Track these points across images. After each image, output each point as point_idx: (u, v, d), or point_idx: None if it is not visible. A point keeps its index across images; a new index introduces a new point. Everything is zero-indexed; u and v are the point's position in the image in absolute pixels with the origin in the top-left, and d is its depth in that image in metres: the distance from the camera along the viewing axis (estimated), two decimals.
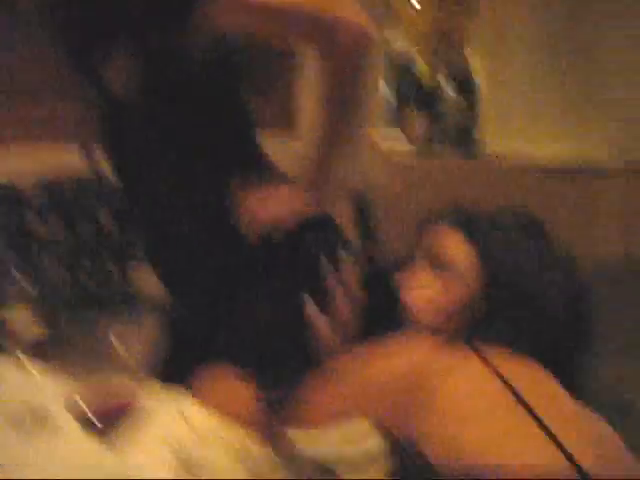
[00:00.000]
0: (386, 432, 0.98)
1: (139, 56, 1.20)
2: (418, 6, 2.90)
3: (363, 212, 2.81)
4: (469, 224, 1.03)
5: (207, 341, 1.32)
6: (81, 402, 0.82)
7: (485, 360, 0.83)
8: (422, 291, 1.02)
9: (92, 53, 1.25)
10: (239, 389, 1.03)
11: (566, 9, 2.93)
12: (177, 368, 1.27)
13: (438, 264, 1.01)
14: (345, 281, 1.16)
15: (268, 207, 1.25)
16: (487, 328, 0.91)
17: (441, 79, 2.96)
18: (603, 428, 0.88)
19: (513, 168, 2.81)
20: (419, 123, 2.76)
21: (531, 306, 0.93)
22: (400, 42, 4.15)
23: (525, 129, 2.99)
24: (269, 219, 1.25)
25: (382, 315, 1.06)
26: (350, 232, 1.66)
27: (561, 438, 0.74)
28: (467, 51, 2.77)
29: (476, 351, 0.84)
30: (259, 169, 1.33)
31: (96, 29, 1.22)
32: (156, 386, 1.26)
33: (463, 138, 2.74)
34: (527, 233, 1.00)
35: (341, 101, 1.27)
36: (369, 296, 1.19)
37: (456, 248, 1.01)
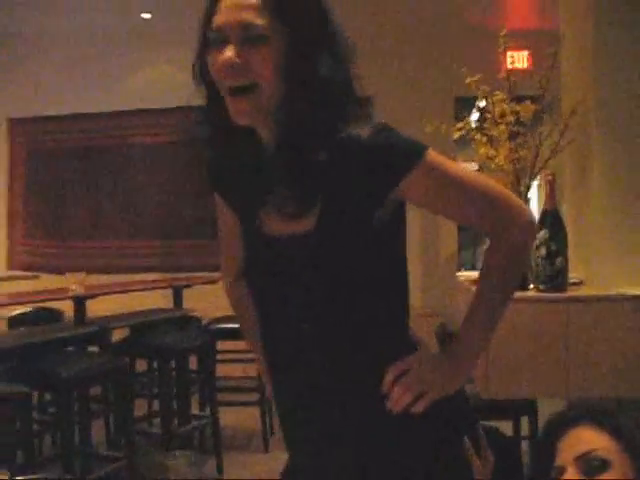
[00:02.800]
0: None
1: (321, 215, 1.23)
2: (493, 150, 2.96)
3: None
4: (604, 419, 1.05)
5: None
6: None
7: None
8: None
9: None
10: None
11: None
12: None
13: (590, 467, 1.01)
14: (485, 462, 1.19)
15: (414, 383, 1.24)
16: None
17: None
18: None
19: (601, 299, 2.74)
20: None
21: None
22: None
23: (608, 257, 2.95)
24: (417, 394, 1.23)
25: None
26: None
27: None
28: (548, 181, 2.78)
29: None
30: (408, 342, 1.33)
31: (297, 185, 1.23)
32: None
33: (552, 272, 2.70)
34: None
35: (504, 282, 1.28)
36: None
37: (605, 447, 1.02)
